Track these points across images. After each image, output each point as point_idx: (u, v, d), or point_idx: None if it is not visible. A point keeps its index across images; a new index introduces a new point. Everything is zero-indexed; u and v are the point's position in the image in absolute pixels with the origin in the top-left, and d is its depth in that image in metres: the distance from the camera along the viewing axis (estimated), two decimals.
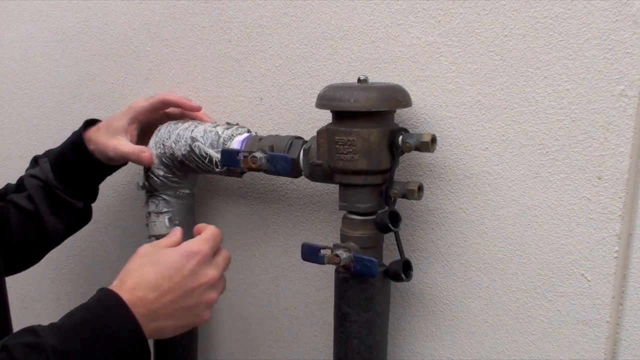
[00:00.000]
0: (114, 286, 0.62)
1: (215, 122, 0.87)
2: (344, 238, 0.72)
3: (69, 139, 0.88)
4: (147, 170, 0.87)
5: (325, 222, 0.85)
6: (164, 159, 0.85)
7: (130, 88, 0.99)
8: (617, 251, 0.65)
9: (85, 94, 1.05)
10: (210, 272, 0.65)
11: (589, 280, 0.67)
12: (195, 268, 0.64)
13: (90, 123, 0.88)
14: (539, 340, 0.71)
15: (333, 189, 0.81)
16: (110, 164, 0.87)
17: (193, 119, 0.88)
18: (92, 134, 0.86)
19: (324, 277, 0.86)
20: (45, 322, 0.60)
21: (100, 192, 0.92)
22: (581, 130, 0.64)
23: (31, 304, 1.19)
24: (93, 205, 0.92)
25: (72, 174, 0.86)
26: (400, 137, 0.67)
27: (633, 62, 0.61)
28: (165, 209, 0.86)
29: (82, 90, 1.05)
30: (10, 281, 0.80)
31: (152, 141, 0.86)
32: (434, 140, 0.66)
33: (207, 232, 0.67)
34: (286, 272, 0.91)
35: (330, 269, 0.73)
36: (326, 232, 0.85)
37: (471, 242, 0.74)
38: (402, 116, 0.75)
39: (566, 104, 0.65)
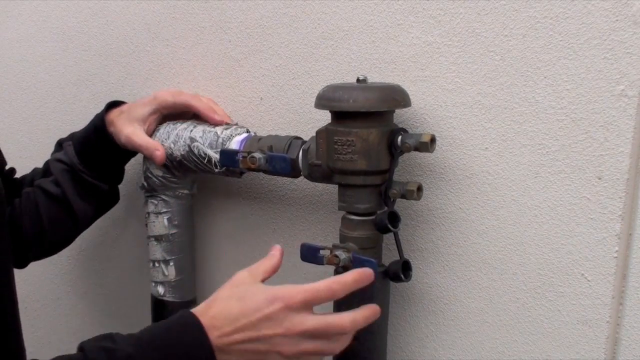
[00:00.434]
0: (198, 310, 0.63)
1: None
2: (343, 238, 0.72)
3: (92, 121, 0.87)
4: (146, 170, 0.86)
5: (324, 222, 0.85)
6: None
7: (130, 88, 0.99)
8: (617, 251, 0.65)
9: (85, 94, 1.05)
10: (288, 324, 0.61)
11: (589, 280, 0.67)
12: (273, 314, 0.61)
13: (113, 105, 0.87)
14: (539, 340, 0.71)
15: (332, 189, 0.81)
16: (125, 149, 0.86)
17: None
18: (114, 116, 0.85)
19: (323, 277, 0.86)
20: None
21: None
22: (581, 130, 0.64)
23: (31, 304, 1.19)
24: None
25: (95, 157, 0.86)
26: (400, 138, 0.67)
27: (633, 62, 0.61)
28: (165, 209, 0.86)
29: (82, 90, 1.05)
30: None
31: None
32: (433, 140, 0.66)
33: (310, 285, 0.63)
34: (285, 272, 0.91)
35: (330, 269, 0.72)
36: (325, 232, 0.85)
37: (471, 242, 0.74)
38: (401, 116, 0.74)
39: (566, 104, 0.65)
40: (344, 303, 0.65)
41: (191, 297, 0.90)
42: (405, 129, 0.69)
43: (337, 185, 0.72)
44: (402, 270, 0.69)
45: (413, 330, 0.80)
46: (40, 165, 0.90)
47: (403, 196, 0.69)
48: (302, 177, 0.75)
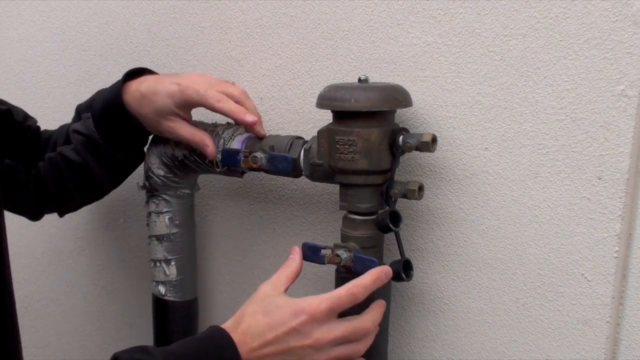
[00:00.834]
0: (228, 326, 0.64)
1: (215, 122, 0.87)
2: (344, 238, 0.72)
3: (108, 99, 0.82)
4: (147, 170, 0.87)
5: (325, 222, 0.85)
6: (164, 159, 0.85)
7: None
8: (617, 251, 0.65)
9: (85, 94, 1.05)
10: (316, 335, 0.62)
11: (589, 280, 0.67)
12: (300, 327, 0.62)
13: (131, 76, 0.81)
14: (539, 340, 0.71)
15: (333, 188, 0.81)
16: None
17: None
18: (134, 103, 0.79)
19: (324, 277, 0.86)
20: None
21: None
22: (581, 130, 0.64)
23: (31, 304, 1.19)
24: (93, 205, 0.92)
25: (116, 133, 0.83)
26: (401, 137, 0.67)
27: (633, 62, 0.61)
28: (166, 209, 0.86)
29: (82, 90, 1.05)
30: None
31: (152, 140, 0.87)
32: (434, 140, 0.66)
33: (332, 293, 0.64)
34: None
35: (331, 269, 0.73)
36: (327, 232, 0.85)
37: (471, 242, 0.74)
38: (402, 116, 0.75)
39: (566, 104, 0.65)
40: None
41: (192, 296, 0.90)
42: (406, 129, 0.69)
43: (338, 185, 0.72)
44: (404, 269, 0.69)
45: (413, 330, 0.80)
46: None
47: (404, 196, 0.69)
48: (303, 177, 0.75)
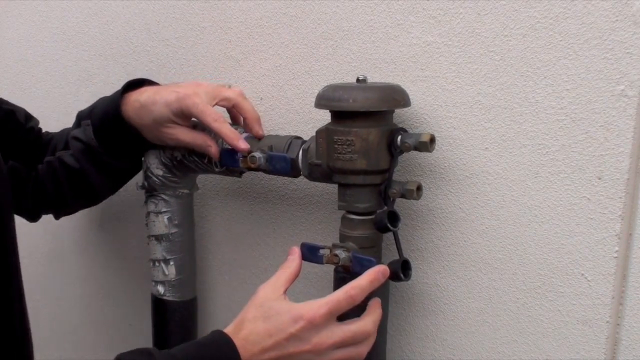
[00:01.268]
0: (229, 331, 0.65)
1: None
2: (343, 238, 0.72)
3: (107, 108, 0.82)
4: (146, 170, 0.87)
5: (324, 221, 0.85)
6: (163, 159, 0.85)
7: None
8: (617, 251, 0.65)
9: (85, 94, 1.05)
10: (315, 340, 0.63)
11: (589, 280, 0.67)
12: (299, 333, 0.63)
13: (130, 87, 0.82)
14: (539, 340, 0.71)
15: (332, 188, 0.81)
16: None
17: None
18: (134, 114, 0.80)
19: (323, 277, 0.86)
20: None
21: None
22: (581, 130, 0.64)
23: (31, 303, 1.19)
24: (92, 207, 0.92)
25: (114, 143, 0.84)
26: (399, 137, 0.67)
27: (633, 62, 0.61)
28: (165, 209, 0.86)
29: (82, 90, 1.05)
30: None
31: None
32: (432, 140, 0.66)
33: (330, 297, 0.64)
34: None
35: (330, 268, 0.73)
36: (325, 231, 0.85)
37: (471, 242, 0.74)
38: (401, 116, 0.74)
39: (566, 104, 0.65)
40: None
41: (191, 296, 0.90)
42: (405, 129, 0.69)
43: (337, 185, 0.72)
44: (402, 269, 0.69)
45: (413, 330, 0.80)
46: None
47: (403, 196, 0.69)
48: (302, 177, 0.75)
